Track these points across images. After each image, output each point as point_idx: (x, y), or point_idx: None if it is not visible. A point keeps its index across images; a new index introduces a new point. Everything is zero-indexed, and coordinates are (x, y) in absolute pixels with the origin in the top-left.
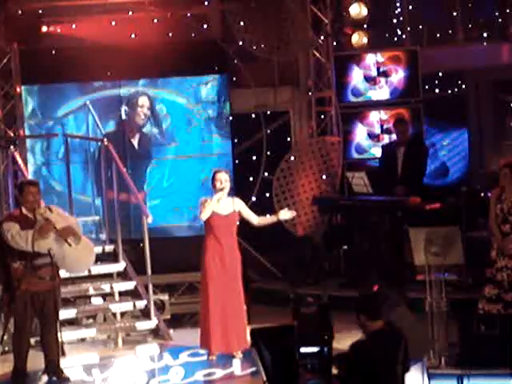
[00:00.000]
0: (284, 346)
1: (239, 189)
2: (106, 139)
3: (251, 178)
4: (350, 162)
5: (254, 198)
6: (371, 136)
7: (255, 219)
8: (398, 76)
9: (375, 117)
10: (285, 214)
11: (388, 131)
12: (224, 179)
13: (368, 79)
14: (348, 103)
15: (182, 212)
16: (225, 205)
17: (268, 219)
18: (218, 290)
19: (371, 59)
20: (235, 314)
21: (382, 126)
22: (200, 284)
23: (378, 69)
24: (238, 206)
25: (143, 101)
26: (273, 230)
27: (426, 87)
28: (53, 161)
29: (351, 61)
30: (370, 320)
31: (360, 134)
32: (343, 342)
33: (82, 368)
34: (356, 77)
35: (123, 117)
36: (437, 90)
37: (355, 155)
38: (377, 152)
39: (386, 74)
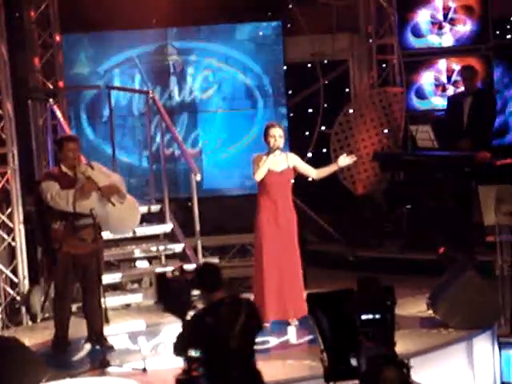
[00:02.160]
0: (343, 313)
1: (294, 144)
2: (152, 91)
3: (307, 133)
4: (414, 115)
5: (309, 154)
6: (437, 84)
7: (313, 172)
8: (466, 28)
9: (443, 65)
10: (344, 160)
11: (455, 84)
12: (278, 135)
13: (433, 22)
14: (412, 50)
15: (231, 171)
16: (278, 161)
17: (327, 169)
18: (273, 253)
19: (440, 1)
20: (291, 278)
21: (449, 78)
22: (253, 246)
23: (446, 14)
24: (293, 161)
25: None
26: (331, 188)
27: (497, 33)
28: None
29: (417, 3)
30: (206, 291)
31: (425, 78)
32: (406, 307)
33: (127, 336)
34: (421, 16)
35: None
36: (509, 36)
37: (415, 100)
38: (439, 102)
39: (452, 22)
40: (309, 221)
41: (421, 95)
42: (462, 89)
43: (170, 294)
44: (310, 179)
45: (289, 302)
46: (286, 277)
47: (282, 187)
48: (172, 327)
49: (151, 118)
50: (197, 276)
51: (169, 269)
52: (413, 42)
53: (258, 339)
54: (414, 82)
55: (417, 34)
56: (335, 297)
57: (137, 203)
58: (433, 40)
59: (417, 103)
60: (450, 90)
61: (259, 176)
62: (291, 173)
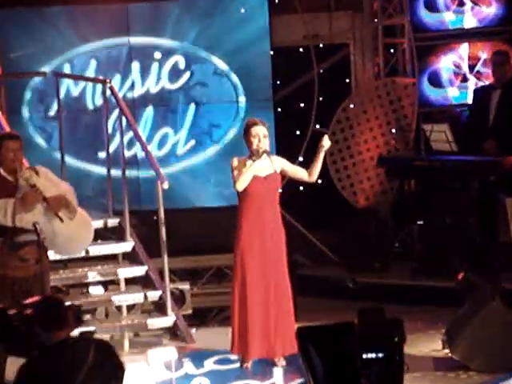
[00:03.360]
0: (341, 351)
1: (281, 146)
2: (109, 80)
3: (298, 132)
4: (429, 111)
5: (300, 158)
6: (456, 72)
7: (305, 173)
8: (490, 10)
9: (465, 51)
10: (328, 140)
11: (478, 76)
12: (262, 134)
13: None
14: (426, 32)
15: (206, 177)
16: (263, 165)
17: (315, 164)
18: (258, 277)
19: None
20: (279, 308)
21: (471, 67)
22: (233, 269)
23: None
24: (279, 164)
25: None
26: (326, 199)
27: None
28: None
29: None
30: (46, 331)
31: (444, 62)
32: (417, 345)
33: None
34: None
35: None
36: None
37: (427, 87)
38: (455, 93)
39: (475, 1)
40: (300, 239)
41: (435, 82)
42: (487, 82)
43: (11, 332)
44: (301, 188)
45: (275, 337)
46: (272, 307)
47: (268, 196)
48: (131, 369)
49: (108, 112)
50: (36, 312)
51: (128, 298)
52: (428, 22)
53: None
54: (429, 65)
55: (432, 11)
56: (332, 331)
57: (89, 218)
58: (451, 19)
59: (429, 91)
60: (471, 82)
61: (242, 185)
62: (279, 178)
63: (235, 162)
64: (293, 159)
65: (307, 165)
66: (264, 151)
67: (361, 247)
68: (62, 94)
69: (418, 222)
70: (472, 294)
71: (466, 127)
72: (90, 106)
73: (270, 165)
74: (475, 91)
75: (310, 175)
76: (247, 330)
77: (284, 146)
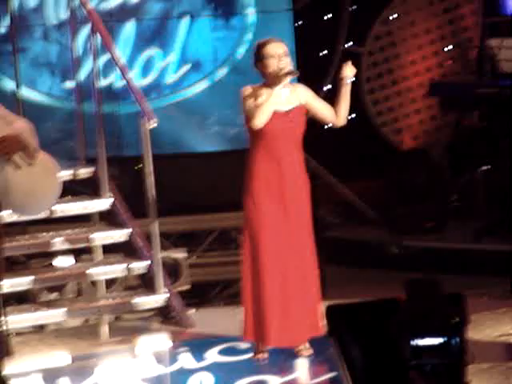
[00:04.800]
0: (384, 336)
1: (303, 71)
2: None
3: (325, 52)
4: (497, 21)
5: (328, 86)
6: None
7: (333, 115)
8: None
9: None
10: (351, 69)
11: None
12: (283, 52)
13: None
14: None
15: (205, 113)
16: (284, 96)
17: (340, 102)
18: (276, 243)
19: None
20: (303, 282)
21: None
22: (241, 232)
23: None
24: (305, 95)
25: None
26: (362, 140)
27: None
28: None
29: None
30: None
31: None
32: (483, 328)
33: (40, 376)
34: None
35: None
36: None
37: None
38: None
39: None
40: (329, 192)
41: None
42: None
43: None
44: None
45: (298, 318)
46: (293, 280)
47: (289, 137)
48: (111, 362)
49: (76, 29)
50: None
51: (106, 270)
52: None
53: (249, 379)
54: None
55: None
56: (371, 310)
57: (55, 164)
58: None
59: None
60: None
61: (261, 120)
62: (303, 113)
63: (248, 89)
64: (318, 88)
65: (335, 95)
66: (289, 72)
67: (408, 201)
68: (14, 5)
69: (483, 168)
70: None
71: None
72: (53, 21)
73: (294, 95)
74: None
75: (337, 117)
76: (264, 310)
77: (307, 71)
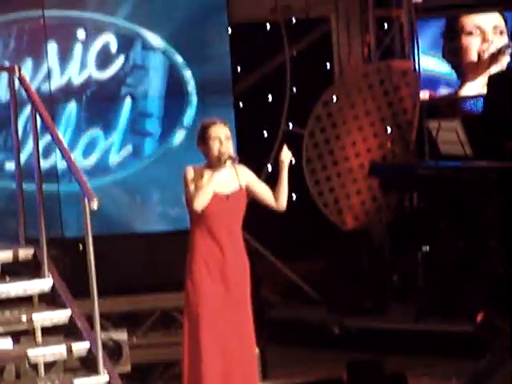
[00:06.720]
0: None
1: (244, 152)
2: (19, 67)
3: (265, 133)
4: (435, 104)
5: (269, 167)
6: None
7: (273, 199)
8: None
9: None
10: (288, 153)
11: (494, 58)
12: (225, 136)
13: None
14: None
15: (147, 193)
16: (225, 178)
17: (279, 186)
18: (215, 323)
19: None
20: (243, 362)
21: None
22: (183, 313)
23: None
24: (245, 177)
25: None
26: (303, 221)
27: None
28: None
29: None
30: None
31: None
32: None
33: None
34: None
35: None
36: None
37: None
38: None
39: None
40: (271, 272)
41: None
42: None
43: None
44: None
45: None
46: (233, 362)
47: (230, 220)
48: None
49: (18, 109)
50: None
51: (46, 352)
52: None
53: None
54: None
55: None
56: None
57: None
58: None
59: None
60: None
61: (201, 203)
62: (244, 196)
63: (191, 172)
64: (259, 168)
65: (276, 176)
66: (229, 157)
67: (349, 282)
68: None
69: (423, 248)
70: (495, 341)
71: (482, 124)
72: None
73: (235, 177)
74: (490, 79)
75: (276, 201)
76: None
77: (247, 152)
